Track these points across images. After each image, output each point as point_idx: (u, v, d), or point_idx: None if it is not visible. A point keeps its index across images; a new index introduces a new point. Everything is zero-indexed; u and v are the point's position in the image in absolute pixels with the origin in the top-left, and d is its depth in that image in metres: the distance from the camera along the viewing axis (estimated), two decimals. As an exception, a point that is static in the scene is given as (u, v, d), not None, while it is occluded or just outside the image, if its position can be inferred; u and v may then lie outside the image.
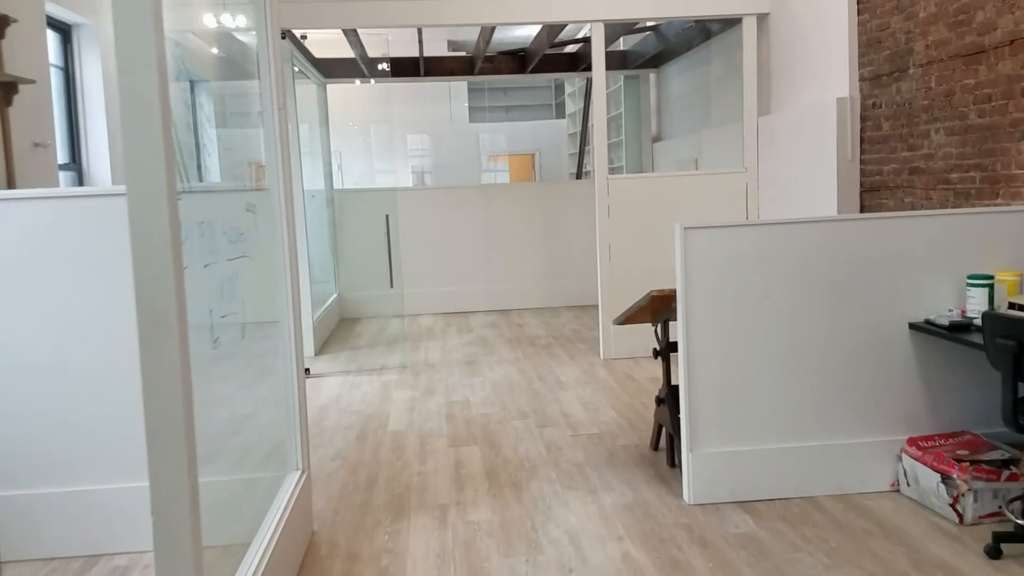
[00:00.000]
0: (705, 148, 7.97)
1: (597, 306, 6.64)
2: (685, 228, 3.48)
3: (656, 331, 4.15)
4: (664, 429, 4.09)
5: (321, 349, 7.35)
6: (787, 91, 6.23)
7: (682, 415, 3.53)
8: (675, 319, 3.74)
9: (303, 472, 3.35)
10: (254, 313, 2.93)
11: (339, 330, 8.35)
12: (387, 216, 6.30)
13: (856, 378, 3.55)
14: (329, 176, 9.02)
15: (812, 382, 3.54)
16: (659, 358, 4.11)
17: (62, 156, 6.15)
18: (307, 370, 6.35)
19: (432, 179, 13.51)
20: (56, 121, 5.64)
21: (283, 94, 3.31)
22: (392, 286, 6.48)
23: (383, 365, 6.62)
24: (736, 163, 6.61)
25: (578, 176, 11.37)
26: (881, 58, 5.22)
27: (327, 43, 9.34)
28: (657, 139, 9.60)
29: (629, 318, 4.23)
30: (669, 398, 3.90)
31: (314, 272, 9.16)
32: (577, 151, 12.02)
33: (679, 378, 3.56)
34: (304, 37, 10.88)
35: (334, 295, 8.86)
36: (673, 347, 3.89)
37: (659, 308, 3.99)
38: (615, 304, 6.40)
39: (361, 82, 10.76)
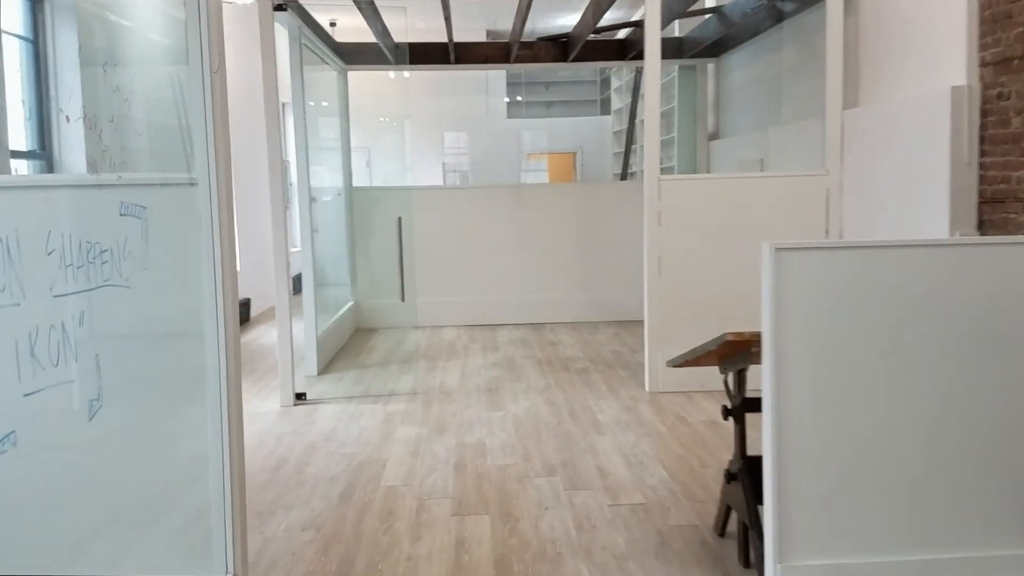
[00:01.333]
0: (773, 147, 6.92)
1: (640, 323, 5.66)
2: (777, 248, 2.49)
3: (727, 382, 3.16)
4: (735, 514, 3.10)
5: (327, 367, 6.46)
6: (881, 80, 5.18)
7: (766, 505, 2.53)
8: (756, 362, 2.76)
9: (235, 577, 2.43)
10: (134, 364, 2.02)
11: (351, 343, 7.46)
12: (400, 219, 5.39)
13: (1018, 463, 2.53)
14: (348, 172, 8.15)
15: (955, 467, 2.52)
16: (731, 419, 3.12)
17: (29, 142, 5.45)
18: (302, 395, 5.46)
19: (464, 178, 12.61)
20: (16, 102, 4.96)
21: (219, 53, 2.39)
22: (403, 299, 5.58)
23: (392, 390, 5.70)
24: (813, 164, 5.57)
25: (623, 177, 10.38)
26: (1011, 37, 4.15)
27: (353, 30, 8.47)
28: (714, 137, 8.56)
29: (690, 361, 3.25)
30: (745, 476, 2.91)
31: (330, 276, 8.31)
32: (623, 150, 11.02)
33: (763, 450, 2.56)
34: (334, 24, 10.05)
35: (350, 303, 7.98)
36: (752, 406, 2.91)
37: (732, 352, 3.01)
38: (665, 329, 5.41)
39: (385, 71, 9.90)
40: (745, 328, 2.89)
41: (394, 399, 5.45)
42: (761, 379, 2.55)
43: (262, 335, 7.90)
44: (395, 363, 6.59)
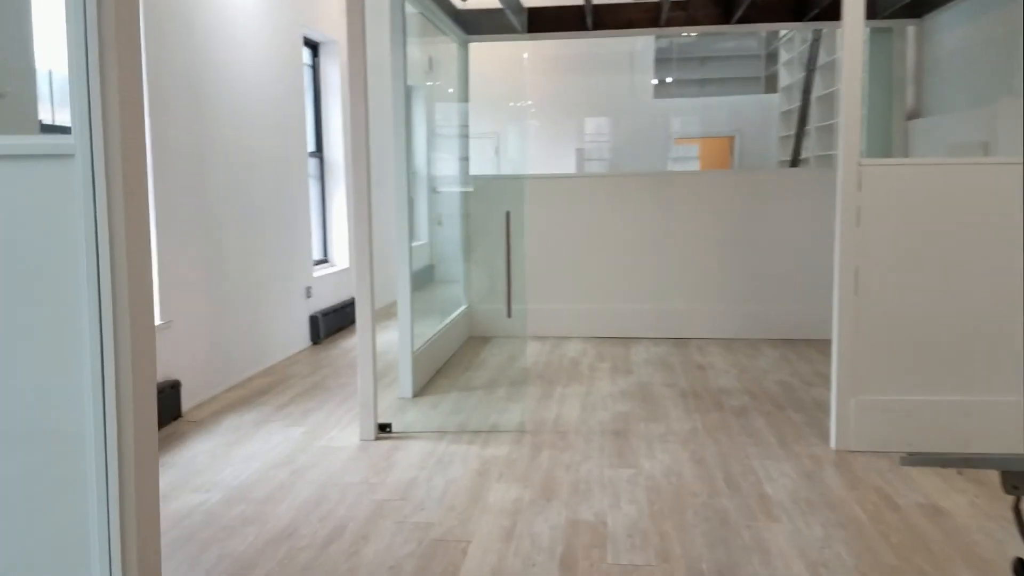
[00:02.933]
0: (1004, 127, 5.29)
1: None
2: None
3: (1020, 511, 1.81)
4: None
5: (426, 385, 5.42)
6: None
7: None
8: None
9: None
10: None
11: (460, 355, 6.40)
12: (508, 214, 4.25)
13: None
14: (465, 159, 7.10)
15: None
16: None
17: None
18: (386, 426, 4.42)
19: (603, 165, 11.33)
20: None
21: None
22: (509, 315, 4.45)
23: (494, 425, 4.57)
24: (1085, 146, 3.98)
25: (793, 163, 8.82)
26: None
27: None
28: (914, 115, 6.91)
29: (943, 463, 1.92)
30: None
31: (444, 275, 7.31)
32: (792, 133, 9.45)
33: None
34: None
35: (462, 307, 6.94)
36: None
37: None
38: (861, 361, 4.01)
39: (516, 49, 8.82)
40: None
41: (495, 438, 4.32)
42: None
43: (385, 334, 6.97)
44: (504, 385, 5.46)
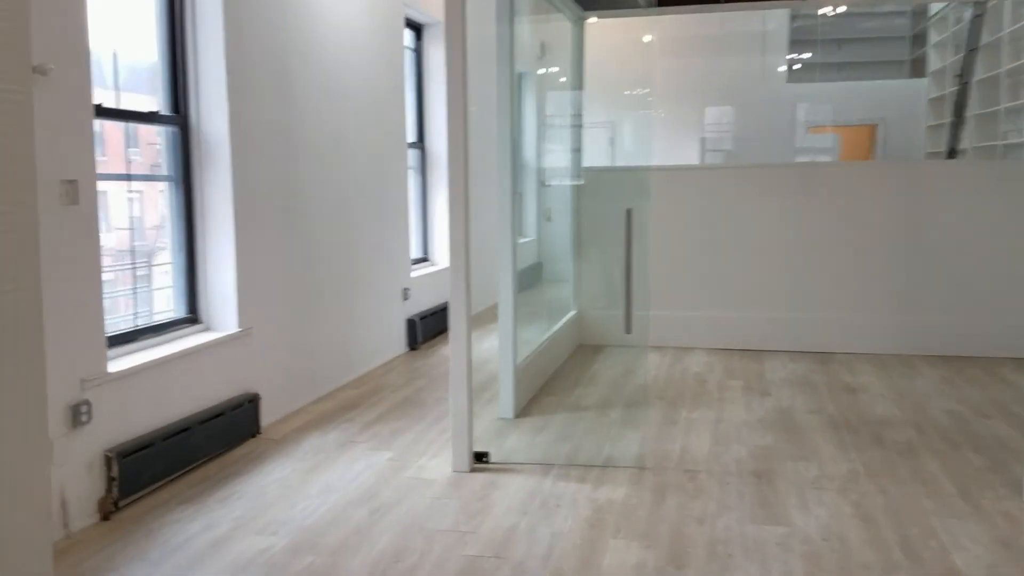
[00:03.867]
0: None
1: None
2: None
3: None
4: None
5: (529, 404, 4.80)
6: None
7: None
8: None
9: None
10: None
11: (568, 367, 5.74)
12: (629, 212, 3.56)
13: None
14: (577, 150, 6.44)
15: None
16: None
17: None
18: (483, 455, 3.82)
19: (729, 157, 10.42)
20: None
21: None
22: (628, 330, 3.77)
23: (608, 458, 3.90)
24: None
25: (950, 155, 7.73)
26: None
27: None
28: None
29: None
30: None
31: (549, 271, 6.69)
32: (946, 121, 8.34)
33: None
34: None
35: (571, 313, 6.28)
36: None
37: None
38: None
39: (637, 32, 8.09)
40: None
41: (610, 476, 3.65)
42: None
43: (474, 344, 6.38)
44: (619, 406, 4.77)
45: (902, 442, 4.10)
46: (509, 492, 3.47)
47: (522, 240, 10.56)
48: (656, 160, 9.88)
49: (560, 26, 6.72)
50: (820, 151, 10.45)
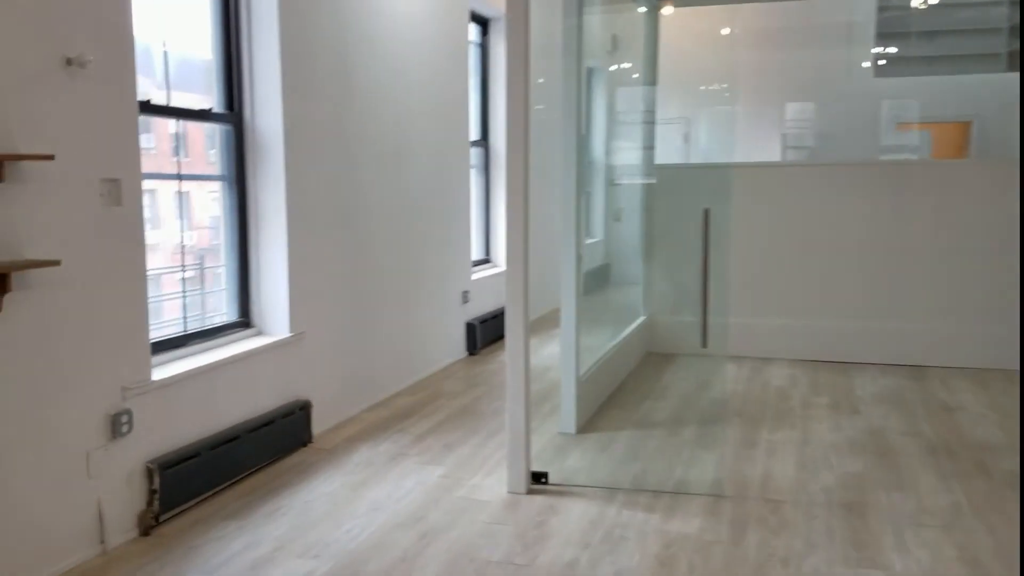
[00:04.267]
0: None
1: None
2: None
3: None
4: None
5: (592, 418, 4.51)
6: None
7: None
8: None
9: None
10: None
11: (635, 377, 5.43)
12: (706, 211, 3.24)
13: None
14: (650, 147, 6.12)
15: None
16: None
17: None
18: (541, 476, 3.55)
19: (806, 154, 9.91)
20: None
21: None
22: (705, 344, 3.44)
23: (680, 483, 3.58)
24: None
25: (1056, 154, 7.10)
26: None
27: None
28: None
29: None
30: None
31: (618, 273, 6.39)
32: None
33: None
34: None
35: (640, 319, 5.96)
36: None
37: None
38: None
39: (716, 21, 7.73)
40: None
41: (683, 504, 3.34)
42: None
43: (536, 350, 6.10)
44: (692, 423, 4.44)
45: (1009, 472, 3.68)
46: (569, 519, 3.20)
47: (589, 241, 10.22)
48: (734, 157, 9.46)
49: (633, 18, 6.42)
50: (909, 149, 9.86)
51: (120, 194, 2.96)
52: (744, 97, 9.86)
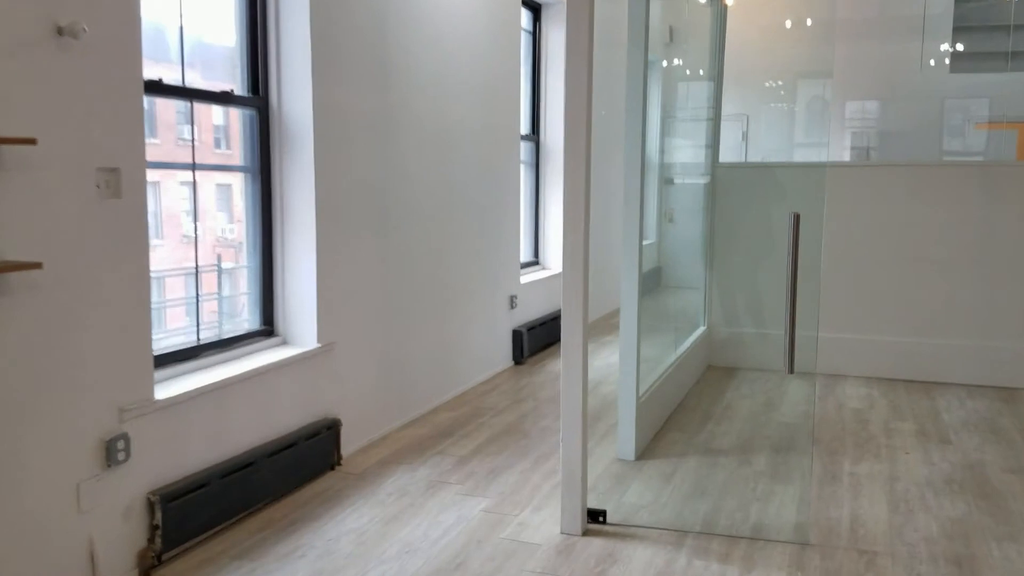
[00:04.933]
0: None
1: None
2: None
3: None
4: None
5: (651, 445, 4.04)
6: None
7: None
8: None
9: None
10: None
11: (696, 396, 4.95)
12: (795, 216, 2.76)
13: None
14: (714, 144, 5.64)
15: None
16: None
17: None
18: (599, 514, 3.10)
19: (873, 154, 9.30)
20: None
21: None
22: (792, 369, 2.96)
23: (757, 526, 3.10)
24: None
25: None
26: None
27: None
28: None
29: None
30: None
31: (670, 277, 5.92)
32: None
33: None
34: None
35: (700, 330, 5.48)
36: None
37: None
38: None
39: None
40: None
41: (762, 552, 2.86)
42: None
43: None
44: (763, 451, 3.95)
45: None
46: (633, 569, 2.74)
47: (645, 242, 9.76)
48: (796, 157, 8.91)
49: (691, 7, 5.93)
50: (989, 150, 9.18)
51: (119, 185, 2.58)
52: (807, 92, 9.29)
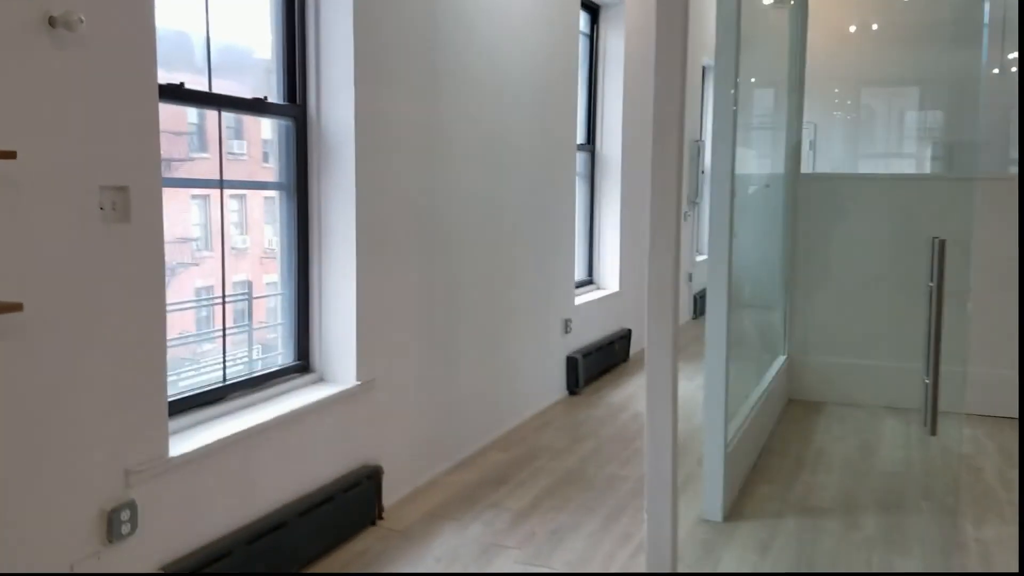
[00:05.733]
0: None
1: None
2: None
3: None
4: None
5: (736, 503, 3.51)
6: None
7: None
8: None
9: None
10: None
11: (782, 437, 4.41)
12: (940, 243, 2.25)
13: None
14: (795, 153, 5.14)
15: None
16: None
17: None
18: (687, 593, 2.61)
19: (944, 165, 8.66)
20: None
21: None
22: (934, 431, 2.45)
23: (882, 611, 2.59)
24: None
25: None
26: None
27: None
28: None
29: None
30: None
31: (735, 295, 5.40)
32: None
33: None
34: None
35: (781, 358, 4.95)
36: None
37: None
38: None
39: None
40: None
41: (895, 651, 2.35)
42: None
43: (640, 394, 5.14)
44: (870, 508, 3.42)
45: None
46: (737, 672, 2.25)
47: (699, 258, 9.21)
48: (863, 168, 8.34)
49: (761, 10, 5.43)
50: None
51: (128, 206, 2.17)
52: (881, 100, 8.71)
